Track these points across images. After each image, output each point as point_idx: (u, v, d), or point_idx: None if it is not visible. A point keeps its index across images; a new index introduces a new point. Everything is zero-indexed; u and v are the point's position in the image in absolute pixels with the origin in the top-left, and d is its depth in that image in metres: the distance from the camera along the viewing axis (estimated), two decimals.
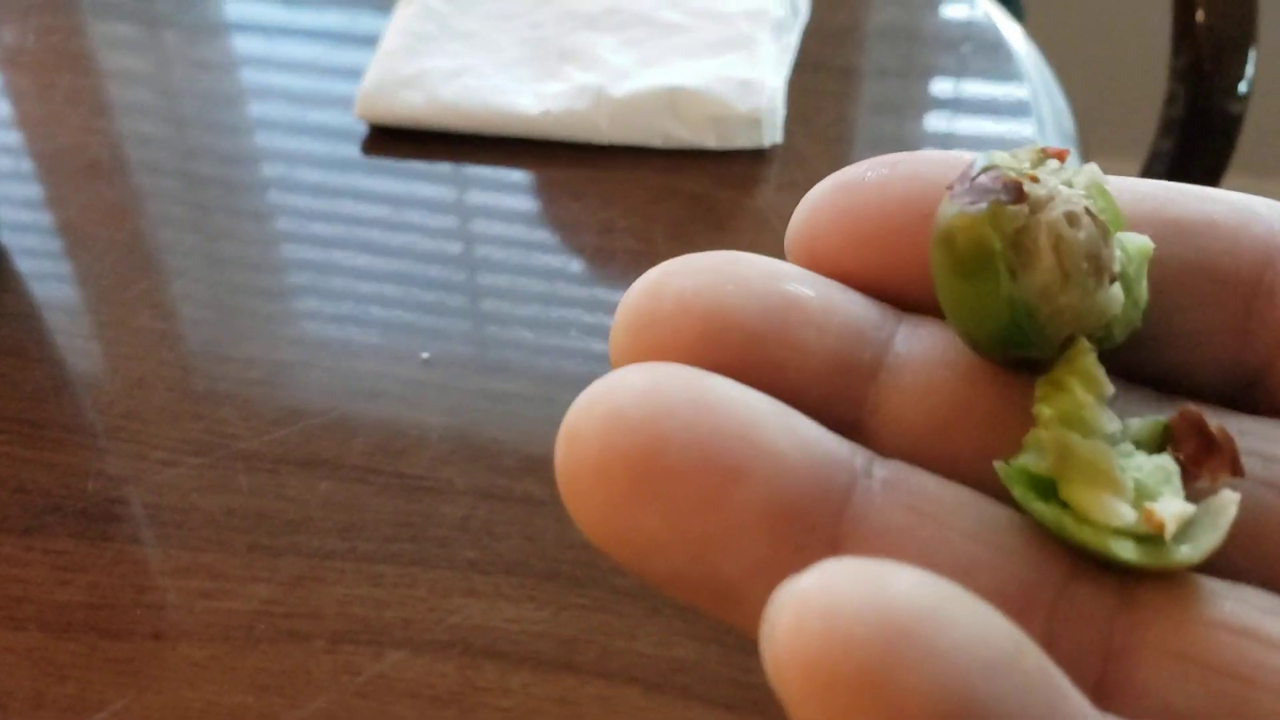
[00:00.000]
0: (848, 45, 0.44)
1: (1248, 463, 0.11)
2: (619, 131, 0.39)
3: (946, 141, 0.41)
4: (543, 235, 0.38)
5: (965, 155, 0.12)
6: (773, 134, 0.39)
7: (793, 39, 0.43)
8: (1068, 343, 0.11)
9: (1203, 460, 0.11)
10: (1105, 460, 0.11)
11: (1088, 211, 0.11)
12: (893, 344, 0.12)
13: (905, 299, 0.12)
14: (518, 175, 0.39)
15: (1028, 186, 0.11)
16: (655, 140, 0.39)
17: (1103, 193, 0.12)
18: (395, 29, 0.42)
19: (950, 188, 0.11)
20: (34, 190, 0.39)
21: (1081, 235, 0.11)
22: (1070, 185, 0.12)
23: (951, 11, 0.47)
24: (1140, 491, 0.11)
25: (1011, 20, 0.46)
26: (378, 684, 0.26)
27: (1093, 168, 0.12)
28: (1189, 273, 0.12)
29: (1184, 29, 0.70)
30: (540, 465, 0.31)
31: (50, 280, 0.36)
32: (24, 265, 0.37)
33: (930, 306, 0.12)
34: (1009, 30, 0.45)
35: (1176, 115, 0.70)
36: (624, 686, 0.26)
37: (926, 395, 0.11)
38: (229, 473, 0.30)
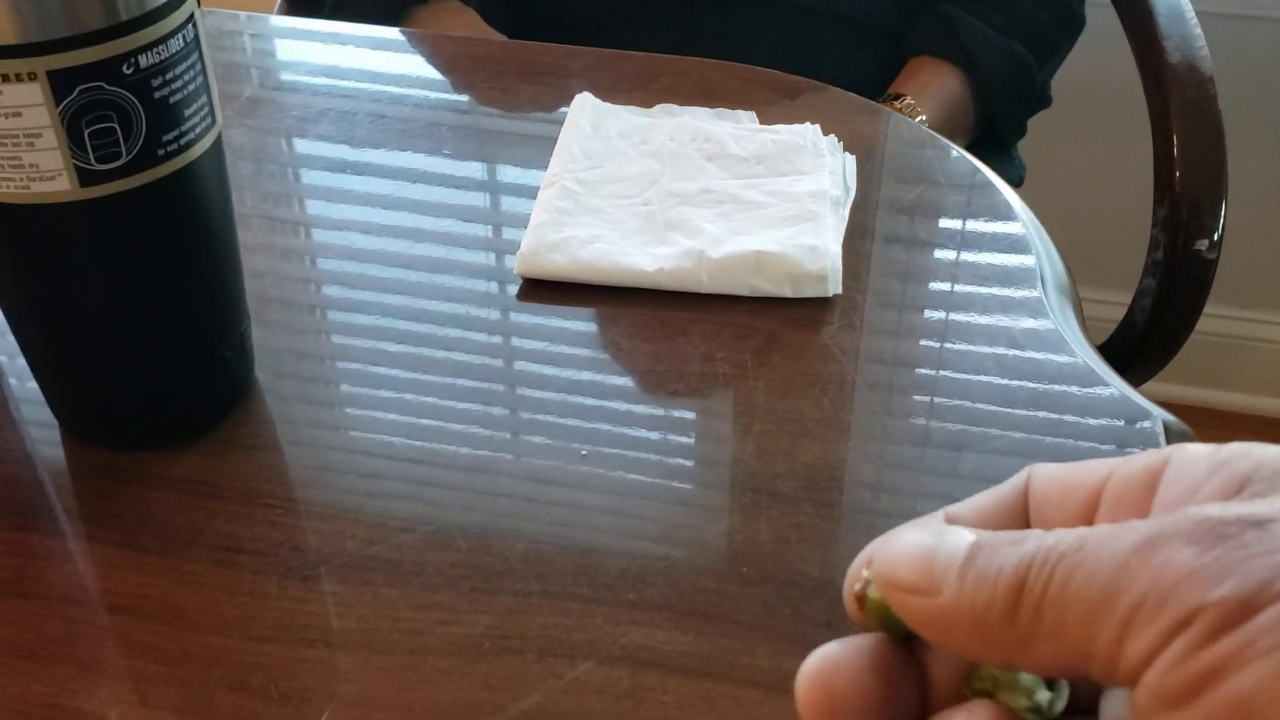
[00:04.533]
0: (887, 218, 0.57)
1: None
2: (716, 283, 0.51)
3: (956, 300, 0.53)
4: (660, 364, 0.49)
5: None
6: (835, 286, 0.51)
7: (846, 212, 0.55)
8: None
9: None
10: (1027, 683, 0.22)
11: None
12: None
13: None
14: (640, 315, 0.51)
15: None
16: (743, 290, 0.51)
17: None
18: (541, 205, 0.54)
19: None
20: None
21: None
22: None
23: (971, 189, 0.59)
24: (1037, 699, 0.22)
25: (1007, 185, 0.58)
26: (575, 685, 0.37)
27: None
28: None
29: (1164, 185, 0.83)
30: (675, 532, 0.42)
31: (288, 398, 0.48)
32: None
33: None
34: (1014, 200, 0.58)
35: (1158, 259, 0.82)
36: (749, 689, 0.37)
37: None
38: (450, 537, 0.41)
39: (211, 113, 0.40)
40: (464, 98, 0.68)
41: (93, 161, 0.36)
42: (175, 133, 0.38)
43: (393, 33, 0.75)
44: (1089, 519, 0.22)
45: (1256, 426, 1.54)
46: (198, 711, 0.36)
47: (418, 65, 0.72)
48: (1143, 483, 0.21)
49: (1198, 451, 0.21)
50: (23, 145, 0.35)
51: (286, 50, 0.74)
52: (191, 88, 0.38)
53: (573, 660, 0.37)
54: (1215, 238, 0.81)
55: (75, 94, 0.35)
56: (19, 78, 0.34)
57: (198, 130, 0.39)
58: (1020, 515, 0.23)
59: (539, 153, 0.60)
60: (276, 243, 0.56)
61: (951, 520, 0.24)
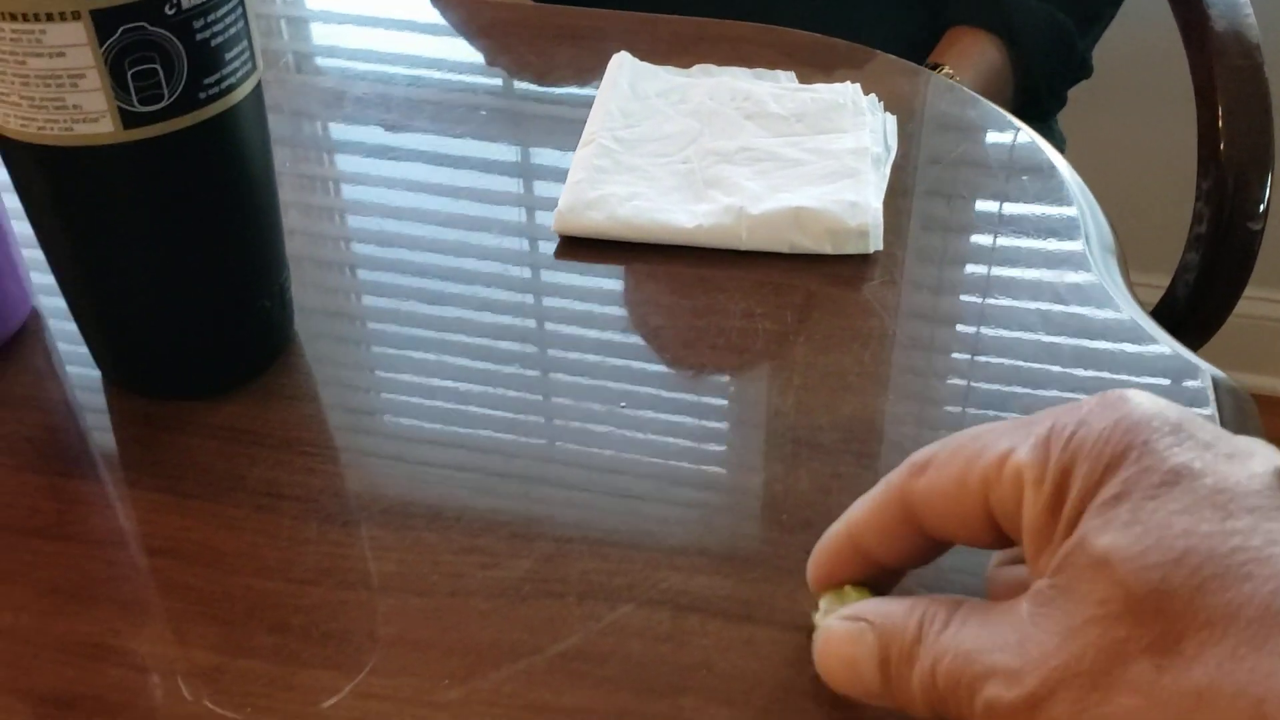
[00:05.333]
0: (928, 175, 0.56)
1: None
2: (755, 240, 0.51)
3: (998, 255, 0.52)
4: (699, 320, 0.49)
5: None
6: (876, 242, 0.50)
7: (887, 170, 0.54)
8: None
9: None
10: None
11: None
12: None
13: None
14: (678, 272, 0.51)
15: None
16: (783, 247, 0.51)
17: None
18: (579, 163, 0.54)
19: None
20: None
21: None
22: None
23: (1013, 147, 0.58)
24: None
25: (1055, 151, 0.57)
26: (614, 627, 0.36)
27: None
28: None
29: (1209, 156, 0.81)
30: (716, 481, 0.41)
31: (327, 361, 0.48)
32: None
33: None
34: (1057, 159, 0.57)
35: (1202, 232, 0.81)
36: (791, 632, 0.36)
37: None
38: (490, 485, 0.41)
39: (252, 58, 0.40)
40: (498, 81, 0.68)
41: (135, 103, 0.36)
42: (217, 75, 0.38)
43: (427, 9, 0.75)
44: (996, 531, 0.29)
45: None
46: (239, 651, 0.36)
47: (452, 47, 0.72)
48: (1015, 517, 0.28)
49: (1036, 499, 0.27)
50: (66, 86, 0.36)
51: (321, 33, 0.74)
52: (233, 31, 0.38)
53: (612, 603, 0.37)
54: (1261, 209, 0.80)
55: (118, 34, 0.35)
56: (62, 17, 0.34)
57: (239, 74, 0.39)
58: (909, 530, 0.31)
59: (575, 127, 0.60)
60: (308, 225, 0.56)
61: (854, 537, 0.33)
